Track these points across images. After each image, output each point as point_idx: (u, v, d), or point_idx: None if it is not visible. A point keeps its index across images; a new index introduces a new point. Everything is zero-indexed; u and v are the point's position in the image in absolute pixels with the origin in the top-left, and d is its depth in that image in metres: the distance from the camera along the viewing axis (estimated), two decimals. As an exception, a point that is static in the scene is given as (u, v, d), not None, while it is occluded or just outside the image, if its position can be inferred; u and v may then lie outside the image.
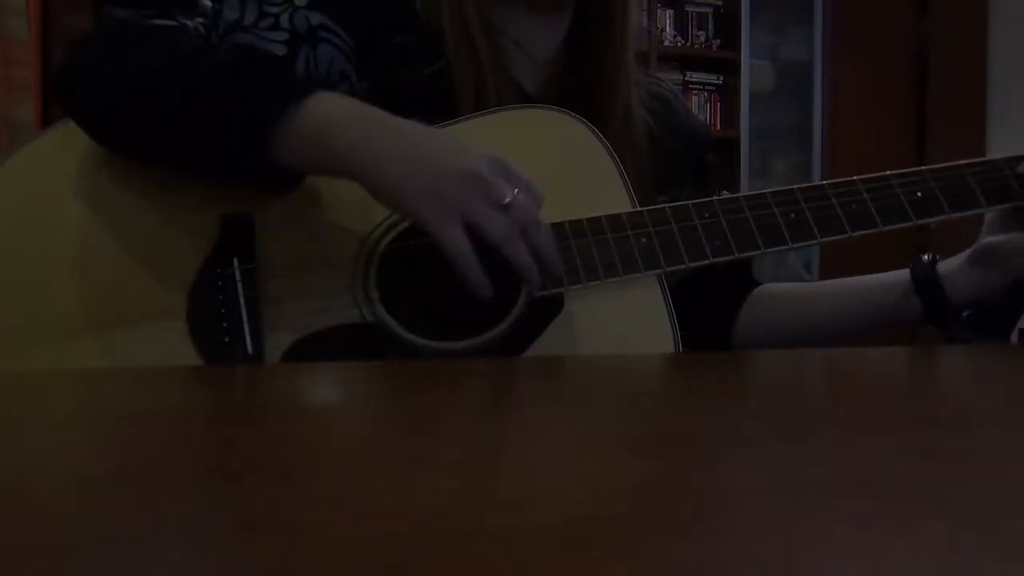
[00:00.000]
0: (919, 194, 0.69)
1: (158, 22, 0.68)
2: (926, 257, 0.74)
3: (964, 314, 0.72)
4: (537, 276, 0.60)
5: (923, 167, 0.71)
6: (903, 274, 0.75)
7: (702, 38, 3.75)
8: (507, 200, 0.58)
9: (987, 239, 0.71)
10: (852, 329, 0.79)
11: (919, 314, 0.73)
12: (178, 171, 0.66)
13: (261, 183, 0.64)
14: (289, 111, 0.59)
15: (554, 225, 0.65)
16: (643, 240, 0.66)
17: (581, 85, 0.78)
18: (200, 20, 0.69)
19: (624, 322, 0.65)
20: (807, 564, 0.16)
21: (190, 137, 0.62)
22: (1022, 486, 0.22)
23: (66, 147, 0.66)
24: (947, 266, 0.73)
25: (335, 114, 0.60)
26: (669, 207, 0.67)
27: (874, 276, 0.78)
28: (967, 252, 0.72)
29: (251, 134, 0.60)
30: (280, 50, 0.69)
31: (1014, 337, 0.77)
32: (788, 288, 0.86)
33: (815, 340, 0.81)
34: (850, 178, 0.70)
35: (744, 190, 0.71)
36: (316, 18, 0.71)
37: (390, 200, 0.59)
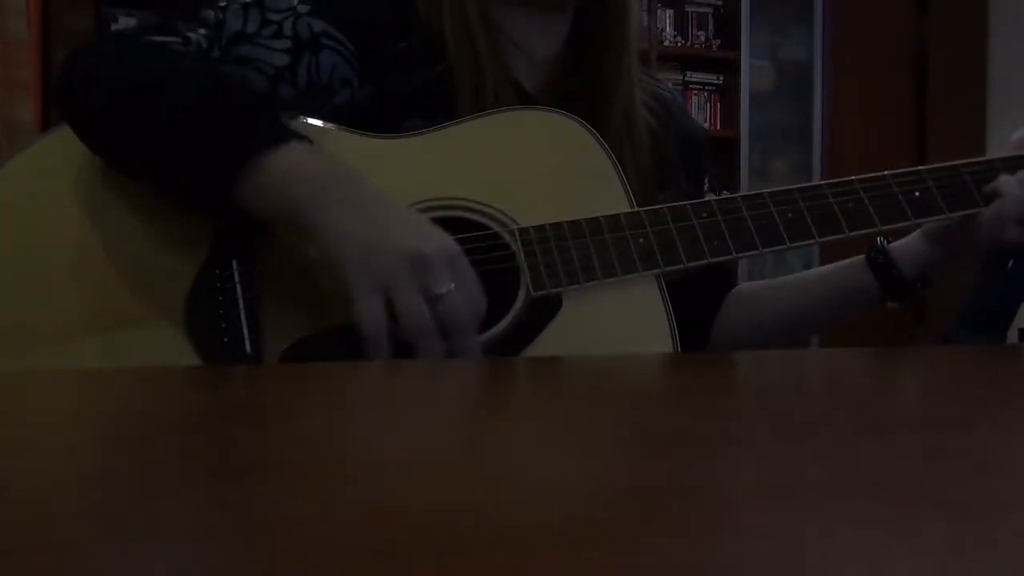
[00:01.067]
0: (917, 194, 0.70)
1: (157, 39, 0.68)
2: (879, 240, 0.78)
3: (918, 285, 0.77)
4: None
5: (921, 167, 0.71)
6: (859, 257, 0.79)
7: (702, 38, 3.75)
8: (440, 291, 0.56)
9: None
10: (821, 316, 0.83)
11: (877, 292, 0.77)
12: (157, 190, 0.66)
13: (227, 225, 0.64)
14: (258, 155, 0.59)
15: (552, 226, 0.65)
16: (641, 240, 0.66)
17: (582, 85, 0.78)
18: (203, 32, 0.69)
19: (622, 322, 0.65)
20: (807, 564, 0.16)
21: (164, 164, 0.63)
22: (1022, 486, 0.22)
23: (66, 150, 0.67)
24: (899, 243, 0.77)
25: (299, 167, 0.60)
26: (667, 207, 0.67)
27: (832, 264, 0.82)
28: (917, 231, 0.77)
29: (215, 173, 0.60)
30: (282, 59, 0.69)
31: (1013, 336, 0.77)
32: (759, 284, 0.88)
33: (790, 333, 0.83)
34: (848, 178, 0.70)
35: (744, 190, 0.72)
36: (318, 25, 0.71)
37: (326, 260, 0.58)
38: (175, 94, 0.63)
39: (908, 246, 0.76)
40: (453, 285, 0.56)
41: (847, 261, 0.80)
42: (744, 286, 0.88)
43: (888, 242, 0.77)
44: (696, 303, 0.84)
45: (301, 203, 0.58)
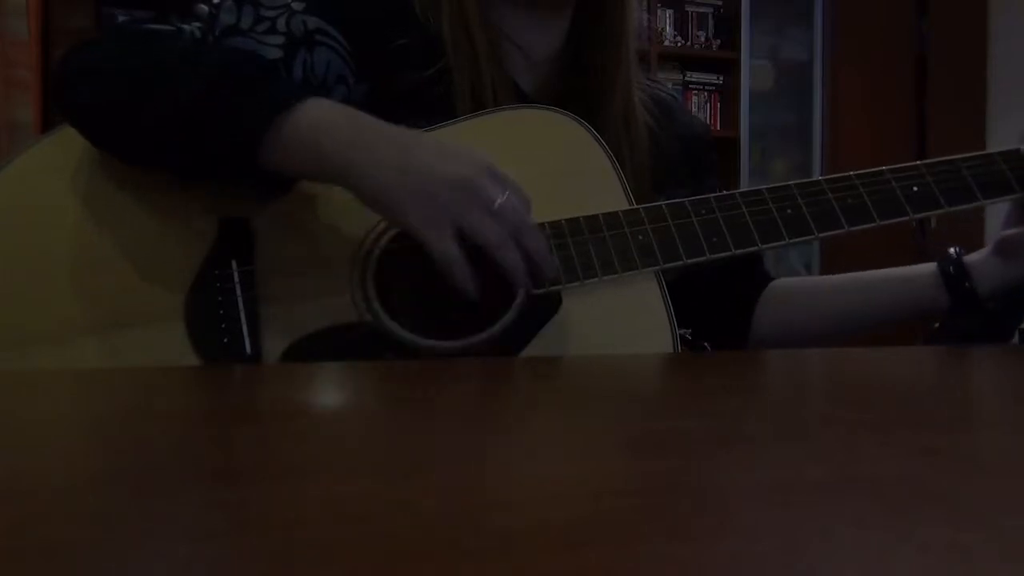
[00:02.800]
0: (915, 188, 0.70)
1: (154, 27, 0.68)
2: (953, 251, 0.75)
3: (990, 305, 0.73)
4: (528, 279, 0.61)
5: (919, 162, 0.71)
6: (929, 267, 0.76)
7: (702, 38, 3.75)
8: (497, 204, 0.58)
9: (1008, 231, 0.72)
10: (878, 322, 0.80)
11: (945, 307, 0.74)
12: (173, 173, 0.66)
13: (254, 187, 0.65)
14: (280, 116, 0.60)
15: (551, 224, 0.65)
16: (640, 237, 0.66)
17: (580, 85, 0.78)
18: (197, 25, 0.69)
19: (622, 320, 0.65)
20: (807, 564, 0.16)
21: (183, 140, 0.62)
22: (1022, 486, 0.22)
23: (65, 151, 0.66)
24: (972, 258, 0.75)
25: (326, 120, 0.60)
26: (666, 204, 0.67)
27: (896, 270, 0.79)
28: (990, 246, 0.74)
29: (243, 138, 0.60)
30: (276, 54, 0.69)
31: (1013, 336, 0.77)
32: (807, 282, 0.86)
33: (838, 334, 0.81)
34: (846, 173, 0.70)
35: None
36: (313, 22, 0.71)
37: (380, 206, 0.59)
38: (187, 68, 0.63)
39: (981, 262, 0.74)
40: (506, 193, 0.59)
41: (915, 268, 0.77)
42: (787, 281, 0.86)
43: (963, 253, 0.75)
44: (730, 298, 0.83)
45: (336, 152, 0.59)
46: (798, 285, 0.86)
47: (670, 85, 0.92)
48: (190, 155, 0.63)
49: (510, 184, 0.60)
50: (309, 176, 0.63)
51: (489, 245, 0.58)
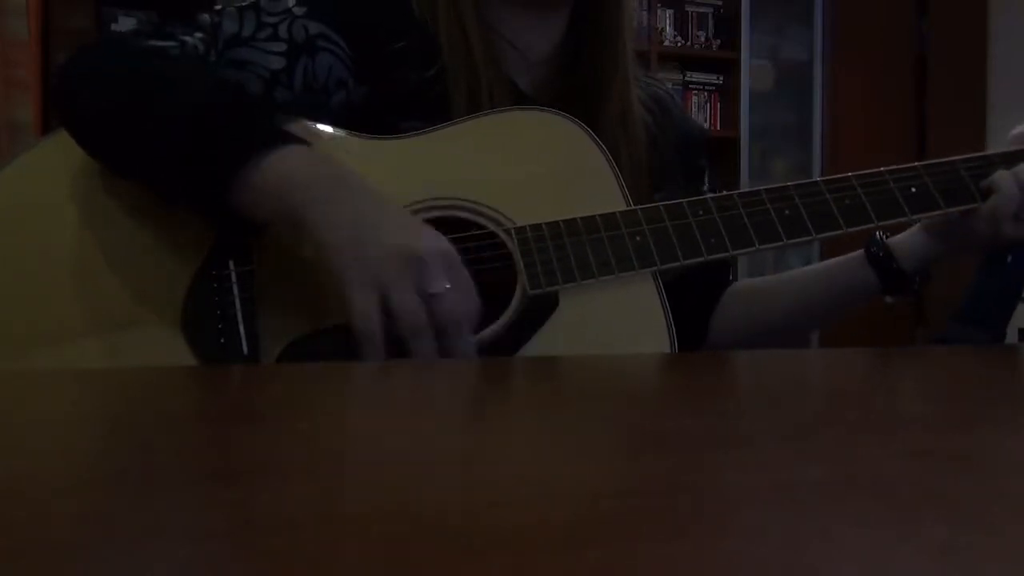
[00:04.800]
0: (913, 189, 0.70)
1: (154, 43, 0.68)
2: (878, 233, 0.78)
3: (917, 280, 0.77)
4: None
5: (917, 163, 0.71)
6: (858, 252, 0.79)
7: (702, 38, 3.75)
8: (433, 290, 0.55)
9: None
10: (822, 311, 0.83)
11: (877, 285, 0.77)
12: (154, 194, 0.66)
13: (223, 227, 0.64)
14: (254, 158, 0.59)
15: (549, 224, 0.65)
16: (637, 238, 0.66)
17: (577, 84, 0.78)
18: (200, 35, 0.69)
19: (619, 320, 0.65)
20: (807, 564, 0.16)
21: (161, 170, 0.63)
22: (1022, 486, 0.22)
23: (64, 153, 0.67)
24: (897, 238, 0.77)
25: (296, 172, 0.59)
26: (663, 205, 0.67)
27: (833, 260, 0.81)
28: (917, 224, 0.76)
29: (212, 179, 0.60)
30: (279, 62, 0.69)
31: (1013, 336, 0.78)
32: (759, 281, 0.88)
33: (788, 329, 0.83)
34: (845, 175, 0.70)
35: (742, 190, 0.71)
36: (314, 27, 0.71)
37: (320, 260, 0.58)
38: (172, 98, 0.63)
39: (907, 241, 0.77)
40: (448, 285, 0.56)
41: (847, 256, 0.80)
42: (743, 282, 0.88)
43: (887, 236, 0.78)
44: (693, 300, 0.83)
45: (296, 206, 0.58)
46: (749, 286, 0.88)
47: (670, 85, 0.92)
48: (166, 183, 0.63)
49: (464, 283, 0.57)
50: (272, 221, 0.61)
51: (403, 327, 0.55)
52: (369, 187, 0.60)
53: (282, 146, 0.60)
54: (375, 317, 0.55)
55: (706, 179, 0.89)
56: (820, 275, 0.82)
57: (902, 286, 0.77)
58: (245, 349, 0.63)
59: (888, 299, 0.78)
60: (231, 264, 0.65)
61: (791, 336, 0.85)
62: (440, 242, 0.58)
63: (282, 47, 0.70)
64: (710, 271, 0.83)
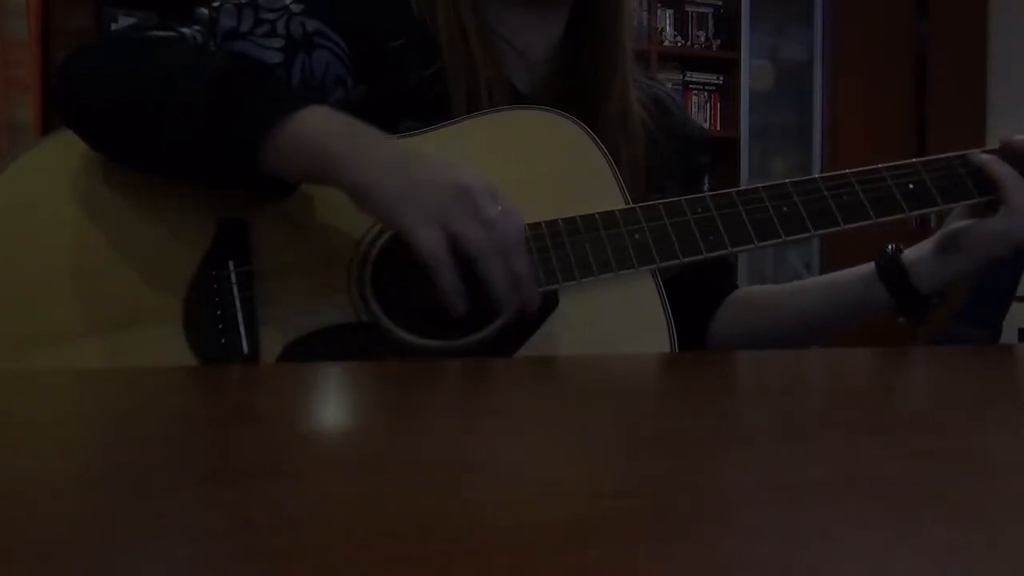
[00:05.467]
0: (911, 186, 0.70)
1: (155, 33, 0.68)
2: (891, 247, 0.73)
3: (934, 301, 0.71)
4: (511, 298, 0.59)
5: (915, 159, 0.71)
6: (869, 266, 0.74)
7: (702, 38, 3.75)
8: (489, 216, 0.57)
9: (951, 226, 0.72)
10: (825, 325, 0.79)
11: (890, 305, 0.73)
12: (172, 178, 0.66)
13: (254, 192, 0.65)
14: (281, 121, 0.60)
15: (548, 223, 0.65)
16: (636, 236, 0.66)
17: (576, 84, 0.78)
18: (197, 29, 0.69)
19: (619, 318, 0.65)
20: (807, 564, 0.16)
21: (184, 146, 0.63)
22: (1022, 486, 0.22)
23: (64, 154, 0.67)
24: (912, 254, 0.73)
25: (327, 125, 0.60)
26: (662, 203, 0.67)
27: (845, 271, 0.77)
28: (932, 239, 0.72)
29: (243, 143, 0.60)
30: (276, 57, 0.69)
31: (1013, 336, 0.77)
32: (762, 290, 0.86)
33: (790, 340, 0.80)
34: (842, 171, 0.70)
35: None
36: (312, 24, 0.71)
37: (373, 206, 0.59)
38: (189, 74, 0.63)
39: (922, 258, 0.72)
40: (500, 209, 0.58)
41: (857, 269, 0.76)
42: (750, 290, 0.86)
43: (901, 250, 0.73)
44: (693, 302, 0.83)
45: (335, 157, 0.59)
46: (751, 294, 0.85)
47: (670, 85, 0.92)
48: (190, 160, 0.63)
49: (508, 207, 0.59)
50: (309, 178, 0.62)
51: (475, 253, 0.57)
52: (397, 139, 0.61)
53: (306, 106, 0.61)
54: (442, 246, 0.57)
55: (707, 178, 0.89)
56: (829, 289, 0.78)
57: (917, 307, 0.72)
58: (245, 349, 0.63)
59: (901, 320, 0.73)
60: (231, 264, 0.65)
61: (796, 346, 0.82)
62: (480, 175, 0.59)
63: (279, 43, 0.70)
64: (712, 275, 0.83)
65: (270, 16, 0.70)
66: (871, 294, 0.73)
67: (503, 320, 0.62)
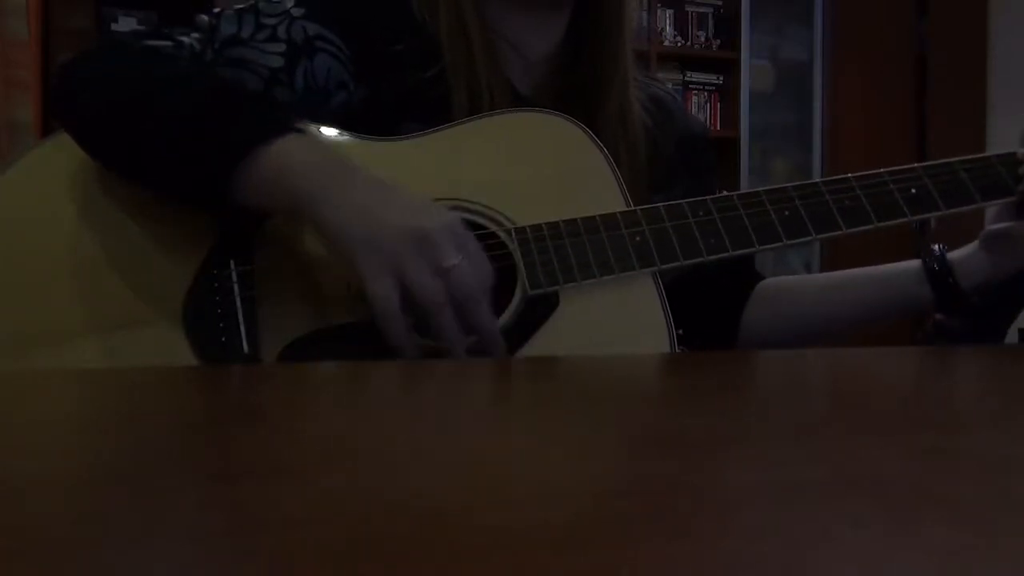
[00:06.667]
0: (913, 190, 0.70)
1: (152, 43, 0.68)
2: (937, 247, 0.75)
3: (975, 299, 0.73)
4: (462, 350, 0.58)
5: (917, 164, 0.71)
6: (914, 263, 0.76)
7: (702, 38, 3.75)
8: (447, 265, 0.56)
9: (995, 226, 0.72)
10: (865, 319, 0.80)
11: (930, 302, 0.74)
12: (157, 192, 0.66)
13: (225, 220, 0.65)
14: (252, 153, 0.59)
15: (549, 225, 0.65)
16: (637, 238, 0.66)
17: (577, 85, 0.78)
18: (196, 36, 0.69)
19: (619, 320, 0.65)
20: (807, 564, 0.16)
21: (164, 164, 0.63)
22: (1022, 486, 0.22)
23: (64, 155, 0.67)
24: (957, 254, 0.75)
25: (298, 159, 0.60)
26: (663, 205, 0.67)
27: (883, 266, 0.78)
28: (976, 240, 0.74)
29: (215, 170, 0.60)
30: (278, 61, 0.69)
31: (1013, 336, 0.77)
32: (795, 281, 0.86)
33: (826, 332, 0.81)
34: (844, 175, 0.70)
35: (744, 190, 0.71)
36: (313, 28, 0.71)
37: (334, 248, 0.59)
38: (173, 94, 0.63)
39: (967, 258, 0.74)
40: (459, 258, 0.57)
41: (900, 265, 0.77)
42: (777, 281, 0.86)
43: (946, 249, 0.75)
44: (721, 295, 0.83)
45: (301, 194, 0.59)
46: (786, 284, 0.85)
47: (670, 85, 0.91)
48: (169, 179, 0.64)
49: (474, 253, 0.58)
50: (276, 211, 0.62)
51: (423, 302, 0.56)
52: (370, 174, 0.60)
53: (282, 137, 0.60)
54: (393, 299, 0.56)
55: (713, 177, 0.89)
56: (870, 282, 0.79)
57: (957, 305, 0.74)
58: (246, 348, 0.63)
59: (939, 317, 0.75)
60: (232, 263, 0.65)
61: (826, 339, 0.82)
62: (447, 217, 0.59)
63: (281, 47, 0.70)
64: (735, 268, 0.83)
65: (271, 21, 0.71)
66: (916, 289, 0.75)
67: (518, 300, 0.63)
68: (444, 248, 0.57)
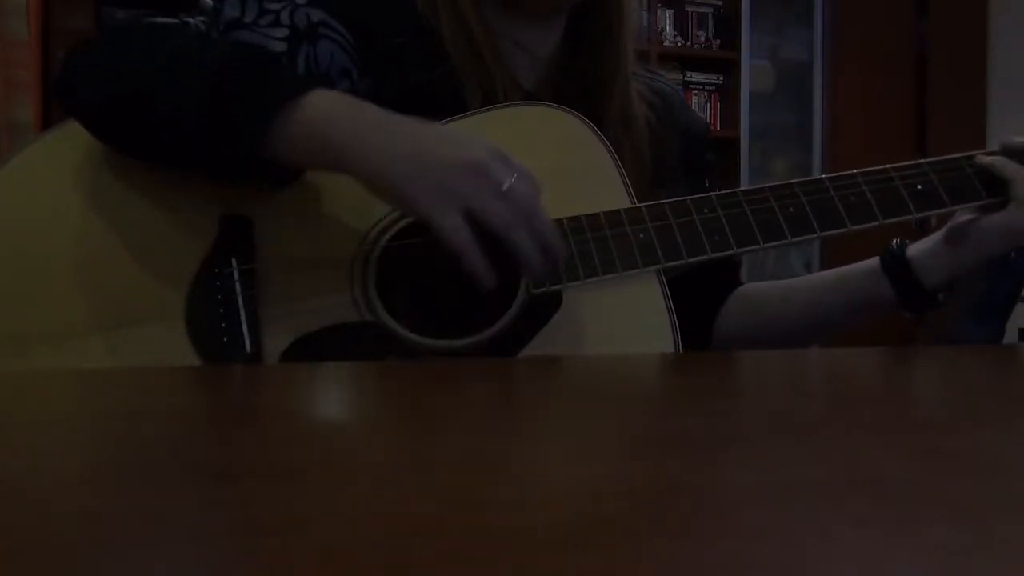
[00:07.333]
0: (919, 187, 0.69)
1: (159, 20, 0.68)
2: (896, 241, 0.73)
3: (940, 296, 0.71)
4: (540, 264, 0.59)
5: (922, 160, 0.71)
6: (874, 261, 0.74)
7: (702, 38, 3.75)
8: (506, 186, 0.57)
9: (958, 219, 0.71)
10: (830, 322, 0.79)
11: (893, 300, 0.73)
12: (178, 168, 0.66)
13: (259, 181, 0.64)
14: (286, 106, 0.59)
15: (552, 223, 0.65)
16: (641, 236, 0.66)
17: (579, 80, 0.78)
18: (201, 18, 0.69)
19: (622, 319, 0.65)
20: (807, 564, 0.16)
21: (187, 135, 0.62)
22: (1022, 486, 0.22)
23: (65, 149, 0.66)
24: (918, 248, 0.73)
25: (332, 109, 0.60)
26: (667, 203, 0.67)
27: (849, 266, 0.77)
28: (939, 233, 0.72)
29: (248, 129, 0.60)
30: (280, 47, 0.69)
31: (1013, 336, 0.77)
32: (766, 285, 0.85)
33: (795, 335, 0.80)
34: (850, 171, 0.70)
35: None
36: (316, 15, 0.71)
37: (388, 193, 0.59)
38: (193, 61, 0.63)
39: (928, 252, 0.72)
40: (514, 176, 0.58)
41: (860, 264, 0.76)
42: (753, 285, 0.86)
43: (906, 244, 0.73)
44: (698, 299, 0.83)
45: (342, 141, 0.59)
46: (758, 289, 0.85)
47: (669, 80, 0.91)
48: (194, 149, 0.63)
49: (520, 168, 0.59)
50: (316, 165, 0.62)
51: (499, 227, 0.57)
52: (401, 116, 0.60)
53: (310, 90, 0.60)
54: (467, 231, 0.57)
55: (710, 175, 0.88)
56: (834, 283, 0.78)
57: (921, 302, 0.72)
58: (248, 347, 0.63)
59: (907, 315, 0.73)
60: (234, 262, 0.64)
61: (801, 342, 0.82)
62: (484, 143, 0.59)
63: (283, 32, 0.70)
64: (717, 271, 0.83)
65: (274, 6, 0.70)
66: (876, 288, 0.73)
67: (521, 299, 0.63)
68: (498, 172, 0.57)
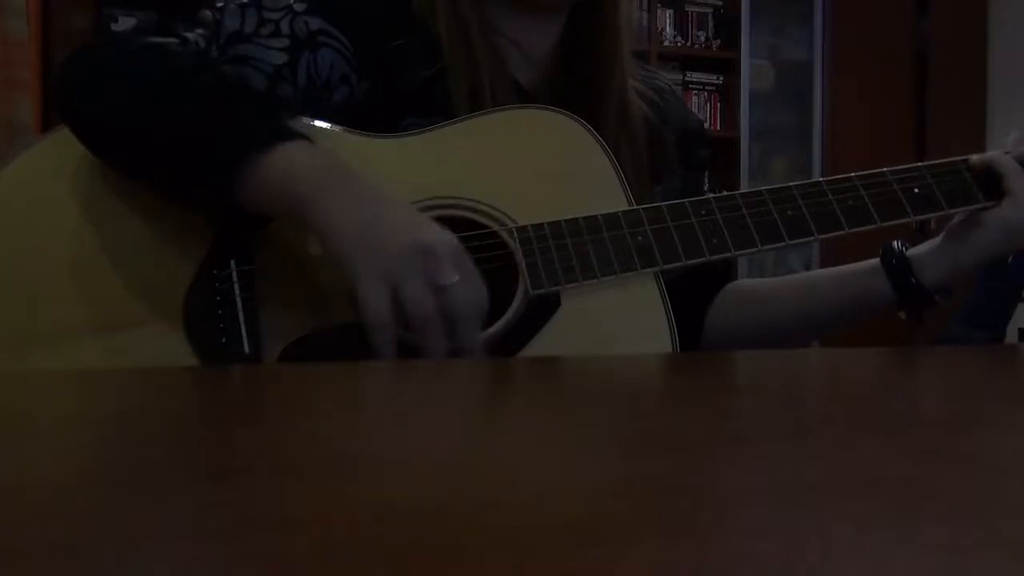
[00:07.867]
0: (916, 190, 0.69)
1: (155, 40, 0.68)
2: (896, 242, 0.74)
3: (937, 298, 0.72)
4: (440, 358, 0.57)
5: (920, 163, 0.71)
6: (874, 261, 0.74)
7: (702, 38, 3.75)
8: (444, 282, 0.55)
9: (957, 220, 0.72)
10: (825, 319, 0.78)
11: (892, 299, 0.73)
12: (158, 192, 0.66)
13: (227, 223, 0.64)
14: (253, 157, 0.59)
15: (551, 224, 0.65)
16: (639, 238, 0.66)
17: (577, 80, 0.78)
18: (200, 32, 0.69)
19: (621, 321, 0.65)
20: (807, 564, 0.16)
21: (167, 164, 0.63)
22: (1022, 486, 0.22)
23: (65, 152, 0.67)
24: (918, 249, 0.73)
25: (301, 165, 0.60)
26: (665, 205, 0.67)
27: (846, 266, 0.77)
28: (939, 236, 0.72)
29: (217, 175, 0.60)
30: (280, 58, 0.69)
31: (1013, 336, 0.77)
32: (761, 283, 0.85)
33: (787, 332, 0.80)
34: (847, 175, 0.70)
35: (744, 190, 0.71)
36: (315, 23, 0.71)
37: (331, 251, 0.58)
38: (177, 93, 0.63)
39: (928, 252, 0.72)
40: (457, 277, 0.56)
41: (860, 264, 0.75)
42: (748, 282, 0.85)
43: (907, 247, 0.73)
44: (686, 295, 0.83)
45: (302, 199, 0.58)
46: (751, 286, 0.84)
47: (667, 78, 0.91)
48: (172, 178, 0.64)
49: (471, 274, 0.57)
50: (278, 215, 0.62)
51: (415, 318, 0.55)
52: (372, 185, 0.60)
53: (285, 141, 0.60)
54: (386, 308, 0.55)
55: (707, 174, 0.88)
56: (831, 281, 0.77)
57: (920, 302, 0.72)
58: (246, 348, 0.63)
59: (901, 315, 0.73)
60: (232, 263, 0.65)
61: (797, 340, 0.81)
62: (446, 235, 0.58)
63: (284, 43, 0.70)
64: (710, 271, 0.82)
65: (274, 16, 0.70)
66: (874, 286, 0.73)
67: (519, 300, 0.62)
68: (444, 265, 0.56)
